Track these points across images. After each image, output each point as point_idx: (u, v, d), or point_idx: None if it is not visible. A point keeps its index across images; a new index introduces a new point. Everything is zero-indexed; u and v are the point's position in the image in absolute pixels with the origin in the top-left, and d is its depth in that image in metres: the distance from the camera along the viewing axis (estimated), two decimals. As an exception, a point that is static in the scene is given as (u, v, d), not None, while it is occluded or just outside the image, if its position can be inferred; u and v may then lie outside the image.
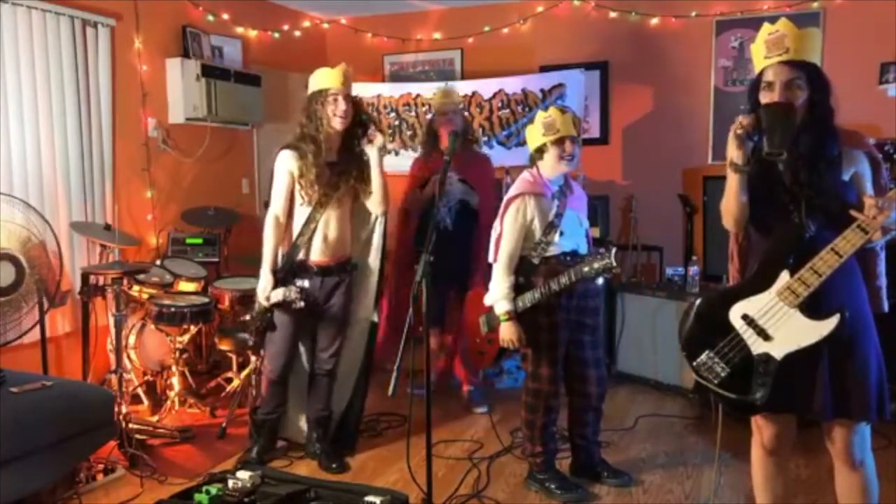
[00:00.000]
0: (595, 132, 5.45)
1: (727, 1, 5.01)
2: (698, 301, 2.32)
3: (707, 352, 2.21)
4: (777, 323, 2.10)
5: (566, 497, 3.14)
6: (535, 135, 3.11)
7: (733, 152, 2.17)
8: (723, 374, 2.19)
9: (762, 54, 2.09)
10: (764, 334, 2.12)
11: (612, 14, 5.25)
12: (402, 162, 5.13)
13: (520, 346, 3.10)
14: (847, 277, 2.10)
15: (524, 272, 3.08)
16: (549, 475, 3.21)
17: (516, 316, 3.05)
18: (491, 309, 3.17)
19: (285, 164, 3.28)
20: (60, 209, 4.07)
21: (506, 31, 5.59)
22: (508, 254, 3.06)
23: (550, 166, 3.09)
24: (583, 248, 3.17)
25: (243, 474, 2.18)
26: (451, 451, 3.70)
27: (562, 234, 3.07)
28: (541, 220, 3.05)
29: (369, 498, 2.10)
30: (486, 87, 5.06)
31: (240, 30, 5.41)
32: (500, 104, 5.07)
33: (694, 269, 4.43)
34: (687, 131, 5.19)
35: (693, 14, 5.07)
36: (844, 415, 2.12)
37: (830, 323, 2.03)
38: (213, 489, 2.11)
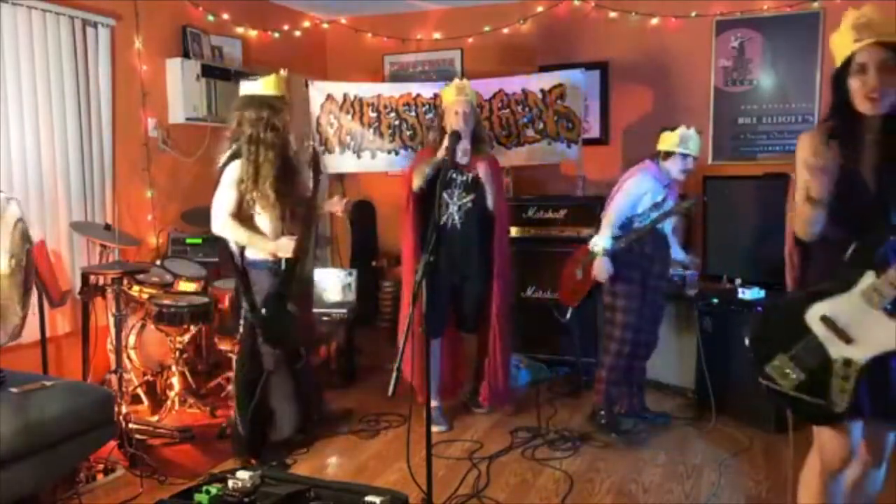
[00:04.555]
0: (595, 132, 5.45)
1: (727, 1, 5.01)
2: (770, 303, 2.22)
3: (780, 355, 2.09)
4: (860, 325, 1.99)
5: None
6: (671, 140, 3.74)
7: (812, 185, 2.03)
8: (798, 379, 2.06)
9: (851, 38, 1.99)
10: (845, 337, 2.01)
11: (612, 14, 5.25)
12: (402, 162, 5.13)
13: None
14: None
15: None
16: None
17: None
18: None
19: (238, 175, 3.30)
20: (60, 209, 4.07)
21: (506, 31, 5.59)
22: (619, 213, 3.76)
23: (671, 169, 3.75)
24: (668, 229, 3.90)
25: (243, 474, 2.17)
26: (451, 451, 3.70)
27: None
28: (651, 198, 3.73)
29: (369, 498, 2.09)
30: (486, 87, 5.04)
31: (240, 30, 5.40)
32: (500, 104, 5.06)
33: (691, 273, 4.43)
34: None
35: (693, 14, 5.07)
36: None
37: None
38: (213, 489, 2.11)
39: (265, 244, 3.35)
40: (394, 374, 2.40)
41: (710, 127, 5.13)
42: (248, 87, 3.42)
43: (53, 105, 4.01)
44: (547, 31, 5.52)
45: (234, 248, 3.41)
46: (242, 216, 3.34)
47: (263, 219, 3.38)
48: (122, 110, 4.46)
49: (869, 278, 1.99)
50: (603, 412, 3.84)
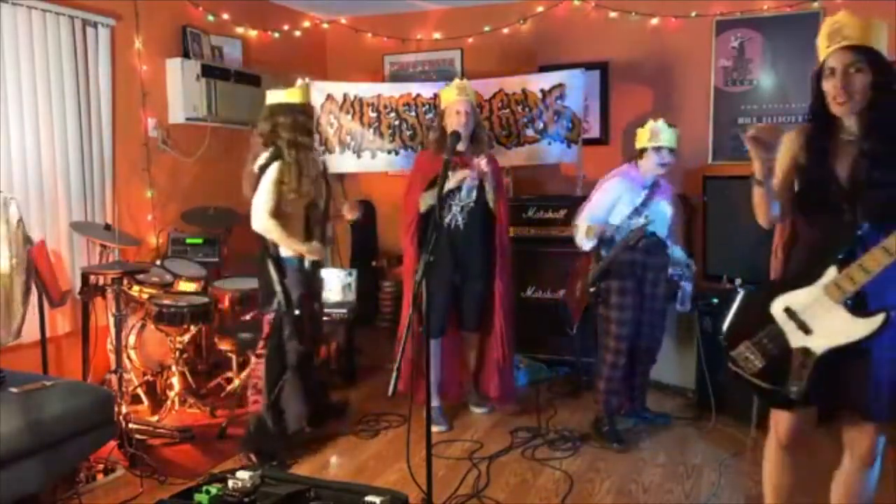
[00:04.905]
0: (595, 132, 5.44)
1: (727, 1, 5.01)
2: (742, 292, 2.35)
3: (745, 342, 2.21)
4: (819, 318, 2.08)
5: None
6: (643, 137, 3.73)
7: (753, 164, 2.16)
8: (759, 365, 2.19)
9: (825, 45, 2.10)
10: (805, 328, 2.11)
11: (612, 14, 5.25)
12: (402, 162, 5.14)
13: None
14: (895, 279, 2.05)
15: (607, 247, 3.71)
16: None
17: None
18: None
19: (279, 175, 3.50)
20: (60, 209, 4.07)
21: (506, 31, 5.59)
22: (590, 215, 3.71)
23: (648, 166, 3.70)
24: (662, 232, 3.74)
25: (243, 474, 2.17)
26: (451, 451, 3.70)
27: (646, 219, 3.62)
28: (627, 203, 3.67)
29: (369, 498, 2.09)
30: (486, 87, 5.05)
31: (240, 30, 5.40)
32: (500, 104, 5.06)
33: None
34: (687, 131, 5.17)
35: (693, 14, 5.07)
36: (878, 418, 2.13)
37: (874, 322, 2.01)
38: (213, 489, 2.11)
39: (298, 245, 3.53)
40: (394, 374, 2.40)
41: (710, 127, 5.13)
42: (276, 96, 3.61)
43: (53, 105, 4.01)
44: (547, 31, 5.52)
45: (269, 243, 3.55)
46: (277, 214, 3.49)
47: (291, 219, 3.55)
48: (122, 110, 4.46)
49: (832, 273, 2.06)
50: (605, 421, 3.81)
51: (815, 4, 4.77)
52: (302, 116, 3.58)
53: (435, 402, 3.94)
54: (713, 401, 3.99)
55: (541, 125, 5.00)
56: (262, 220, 3.48)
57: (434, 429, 3.44)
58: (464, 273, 4.01)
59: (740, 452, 3.63)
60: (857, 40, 2.03)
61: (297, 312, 3.51)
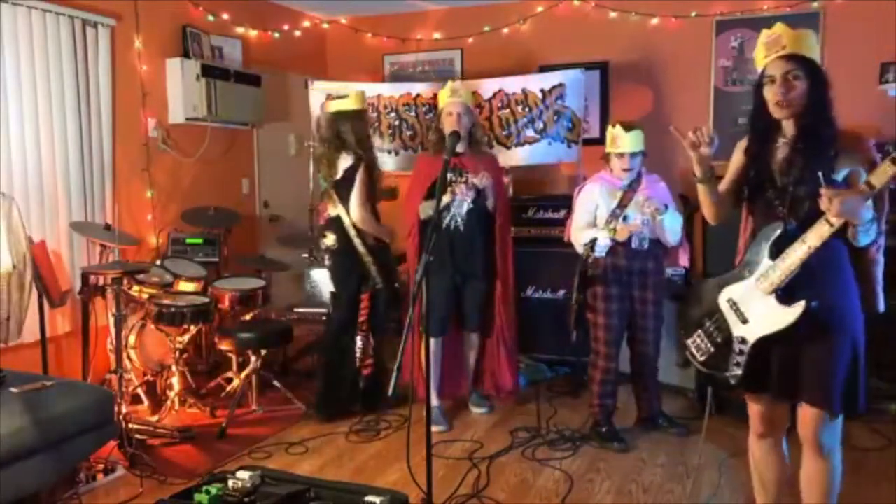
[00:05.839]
0: (595, 132, 5.44)
1: (727, 1, 5.01)
2: (700, 285, 2.49)
3: (698, 331, 2.40)
4: (754, 308, 2.25)
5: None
6: (607, 142, 3.78)
7: (693, 165, 2.38)
8: (707, 352, 2.37)
9: (762, 55, 2.26)
10: (742, 317, 2.28)
11: (612, 14, 5.25)
12: (402, 162, 5.14)
13: None
14: (832, 273, 2.20)
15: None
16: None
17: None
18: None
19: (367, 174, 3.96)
20: (60, 209, 4.07)
21: (506, 31, 5.59)
22: (578, 226, 3.77)
23: (615, 170, 3.75)
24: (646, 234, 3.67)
25: (243, 474, 2.18)
26: (451, 451, 3.70)
27: (625, 218, 3.62)
28: (605, 207, 3.68)
29: (369, 498, 2.09)
30: (486, 87, 5.05)
31: (240, 30, 5.41)
32: (500, 104, 5.06)
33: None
34: (687, 131, 5.18)
35: (693, 14, 5.07)
36: (808, 401, 2.23)
37: (796, 311, 2.15)
38: (213, 489, 2.11)
39: (383, 230, 4.06)
40: (394, 374, 2.40)
41: (710, 127, 5.10)
42: (334, 105, 4.01)
43: (53, 105, 4.01)
44: (547, 31, 5.52)
45: (351, 232, 3.94)
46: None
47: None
48: (122, 110, 4.46)
49: (764, 266, 2.24)
50: (603, 423, 3.79)
51: (815, 4, 4.78)
52: (359, 122, 3.96)
53: (435, 402, 3.95)
54: (713, 401, 3.98)
55: (541, 125, 5.00)
56: (363, 213, 3.90)
57: (434, 429, 3.43)
58: (465, 273, 4.02)
59: (740, 452, 3.62)
60: (793, 49, 2.20)
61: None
